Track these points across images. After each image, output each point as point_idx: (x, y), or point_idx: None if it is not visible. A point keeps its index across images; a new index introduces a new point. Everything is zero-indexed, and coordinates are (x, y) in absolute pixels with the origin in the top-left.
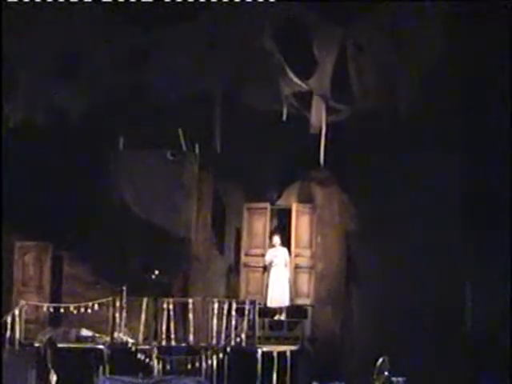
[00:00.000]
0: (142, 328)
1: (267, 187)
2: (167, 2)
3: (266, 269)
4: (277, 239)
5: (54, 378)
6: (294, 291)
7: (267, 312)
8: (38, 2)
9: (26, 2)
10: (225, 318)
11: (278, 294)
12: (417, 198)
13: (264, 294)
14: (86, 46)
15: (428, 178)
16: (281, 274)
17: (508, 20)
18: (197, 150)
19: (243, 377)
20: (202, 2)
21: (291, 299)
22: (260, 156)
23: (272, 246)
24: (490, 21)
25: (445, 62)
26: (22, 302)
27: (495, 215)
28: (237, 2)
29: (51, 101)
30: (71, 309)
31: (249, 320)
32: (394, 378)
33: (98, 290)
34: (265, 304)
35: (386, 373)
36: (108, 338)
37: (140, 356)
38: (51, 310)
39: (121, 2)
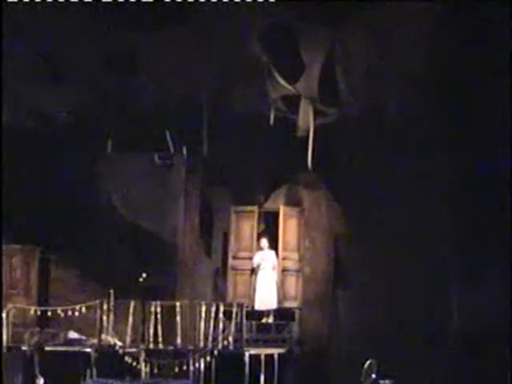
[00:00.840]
0: (129, 331)
1: (255, 190)
2: (155, 5)
3: (253, 272)
4: (264, 242)
5: (41, 381)
6: (282, 294)
7: (255, 315)
8: (26, 2)
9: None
10: (212, 320)
11: (266, 297)
12: (405, 201)
13: (252, 297)
14: (73, 48)
15: (416, 180)
16: (268, 276)
17: (495, 21)
18: (184, 153)
19: (231, 380)
20: (190, 6)
21: (279, 302)
22: (247, 159)
23: (260, 248)
24: (478, 22)
25: (432, 65)
26: (10, 305)
27: (484, 216)
28: (224, 5)
29: (38, 103)
30: (59, 312)
31: (236, 323)
32: (381, 381)
33: (86, 293)
34: (252, 307)
35: (374, 375)
36: (95, 341)
37: (127, 359)
38: (39, 313)
39: (109, 4)
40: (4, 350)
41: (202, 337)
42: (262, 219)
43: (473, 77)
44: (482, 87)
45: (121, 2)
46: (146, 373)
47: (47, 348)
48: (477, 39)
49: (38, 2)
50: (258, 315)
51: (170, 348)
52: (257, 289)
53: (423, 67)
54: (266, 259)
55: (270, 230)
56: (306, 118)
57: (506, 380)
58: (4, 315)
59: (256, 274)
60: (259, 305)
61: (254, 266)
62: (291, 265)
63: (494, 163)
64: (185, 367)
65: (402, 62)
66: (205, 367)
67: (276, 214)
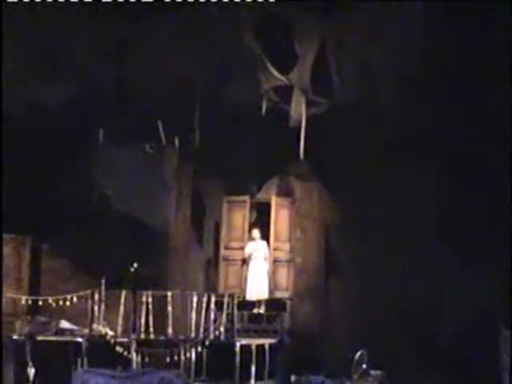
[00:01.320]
0: (120, 321)
1: (247, 180)
2: None
3: (245, 262)
4: (256, 233)
5: (32, 370)
6: (273, 284)
7: (246, 305)
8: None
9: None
10: (203, 311)
11: (257, 287)
12: (396, 192)
13: (243, 288)
14: (64, 38)
15: (408, 171)
16: (260, 267)
17: (489, 15)
18: (176, 143)
19: (222, 370)
20: None
21: (270, 292)
22: (240, 149)
23: (252, 239)
24: (470, 15)
25: (425, 57)
26: None
27: (474, 211)
28: None
29: (30, 93)
30: (50, 301)
31: (227, 313)
32: (372, 371)
33: (77, 282)
34: (244, 297)
35: (364, 366)
36: (87, 331)
37: (119, 349)
38: (30, 302)
39: None
40: None
41: (193, 327)
42: (253, 209)
43: (466, 64)
44: (475, 74)
45: None
46: (137, 362)
47: (38, 337)
48: (469, 27)
49: None
50: (249, 306)
51: (161, 338)
52: (248, 279)
53: (416, 58)
54: (257, 249)
55: (261, 220)
56: (299, 109)
57: (499, 375)
58: None
59: (247, 265)
60: (250, 295)
61: (246, 256)
62: (283, 255)
63: (491, 153)
64: (176, 357)
65: (394, 54)
66: (196, 357)
67: (268, 205)
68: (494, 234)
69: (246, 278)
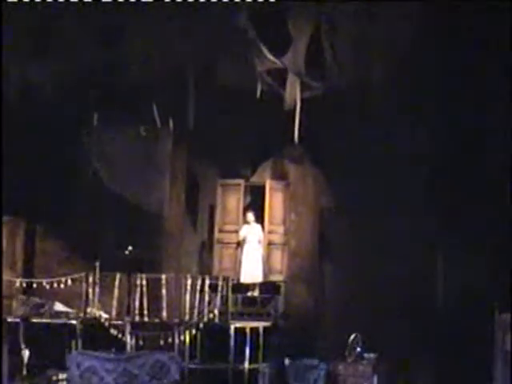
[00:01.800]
0: (115, 303)
1: (241, 164)
2: None
3: (239, 245)
4: (251, 216)
5: (26, 353)
6: (268, 268)
7: (240, 288)
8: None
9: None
10: (198, 293)
11: (251, 270)
12: (391, 175)
13: (237, 270)
14: (60, 21)
15: (402, 152)
16: (254, 250)
17: None
18: (170, 126)
19: (216, 352)
20: None
21: (264, 276)
22: (234, 132)
23: (246, 222)
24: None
25: (419, 39)
26: None
27: (469, 189)
28: None
29: (25, 76)
30: (44, 284)
31: (222, 296)
32: (366, 354)
33: (71, 265)
34: (238, 280)
35: (359, 349)
36: (81, 314)
37: (113, 331)
38: (24, 285)
39: None
40: None
41: (187, 310)
42: (248, 193)
43: (459, 50)
44: (468, 59)
45: None
46: (131, 345)
47: (33, 320)
48: (465, 15)
49: None
50: (243, 289)
51: (156, 320)
52: (242, 262)
53: (409, 41)
54: (252, 233)
55: (256, 203)
56: (293, 92)
57: (491, 351)
58: None
59: (242, 248)
60: (245, 278)
61: (240, 239)
62: (277, 238)
63: (482, 123)
64: (170, 340)
65: (389, 36)
66: (190, 340)
67: (262, 188)
68: (493, 216)
69: (240, 261)
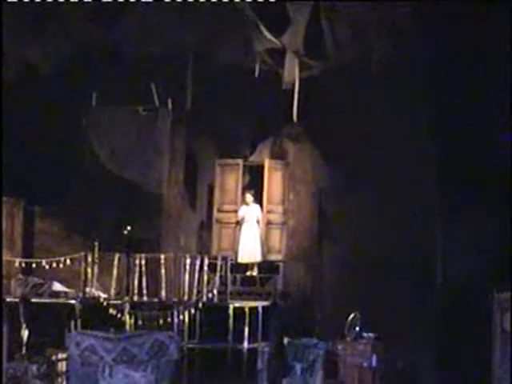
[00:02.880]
0: (113, 283)
1: (240, 143)
2: None
3: (238, 224)
4: (249, 197)
5: (25, 332)
6: (266, 247)
7: (239, 268)
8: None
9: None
10: (197, 273)
11: (249, 250)
12: (390, 154)
13: (236, 250)
14: (57, 1)
15: (402, 133)
16: (253, 230)
17: None
18: (169, 106)
19: (215, 332)
20: None
21: (263, 255)
22: (233, 112)
23: (245, 203)
24: None
25: (419, 18)
26: None
27: (470, 170)
28: None
29: (23, 56)
30: (43, 264)
31: (221, 276)
32: (365, 334)
33: (70, 245)
34: (236, 260)
35: (358, 328)
36: (80, 293)
37: (112, 311)
38: (23, 265)
39: None
40: None
41: (186, 289)
42: (246, 172)
43: (459, 30)
44: (467, 36)
45: None
46: (130, 325)
47: (32, 300)
48: None
49: None
50: (242, 268)
51: (155, 300)
52: (241, 242)
53: (408, 21)
54: (250, 213)
55: (254, 183)
56: (292, 71)
57: (489, 332)
58: None
59: (240, 228)
60: (242, 258)
61: (239, 219)
62: (276, 218)
63: (480, 104)
64: (169, 319)
65: (388, 16)
66: (189, 319)
67: (261, 168)
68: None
69: (238, 242)
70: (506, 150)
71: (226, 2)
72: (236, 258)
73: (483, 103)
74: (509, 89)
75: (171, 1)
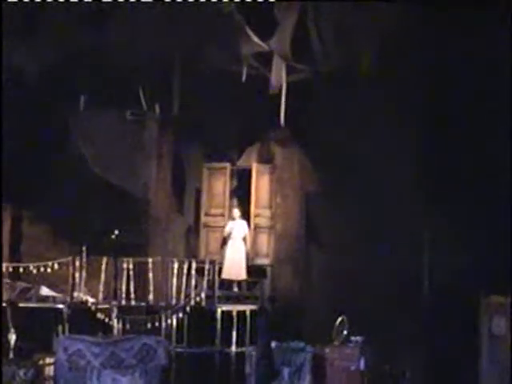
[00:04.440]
0: (101, 287)
1: (227, 147)
2: None
3: (224, 241)
4: (237, 212)
5: (13, 337)
6: (254, 251)
7: None
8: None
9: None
10: (184, 277)
11: (235, 269)
12: (377, 158)
13: (221, 266)
14: (46, 4)
15: (389, 138)
16: (239, 247)
17: None
18: (157, 110)
19: (203, 336)
20: None
21: (251, 259)
22: (220, 116)
23: (232, 218)
24: None
25: (405, 23)
26: None
27: (456, 174)
28: None
29: (10, 59)
30: (31, 268)
31: (208, 279)
32: (352, 337)
33: (58, 249)
34: (221, 275)
35: (345, 332)
36: (68, 298)
37: (100, 315)
38: (10, 269)
39: None
40: None
41: (174, 293)
42: (234, 176)
43: (446, 35)
44: (455, 41)
45: None
46: (118, 329)
47: (20, 304)
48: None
49: None
50: None
51: (143, 304)
52: (226, 258)
53: (396, 26)
54: (236, 229)
55: (242, 187)
56: (279, 75)
57: (477, 337)
58: None
59: (226, 244)
60: (227, 274)
61: (225, 234)
62: (263, 222)
63: (469, 108)
64: (157, 323)
65: (375, 20)
66: (177, 323)
67: (248, 171)
68: (480, 200)
69: (224, 257)
70: (493, 159)
71: (213, 6)
72: (221, 273)
73: (472, 109)
74: (497, 94)
75: (159, 4)
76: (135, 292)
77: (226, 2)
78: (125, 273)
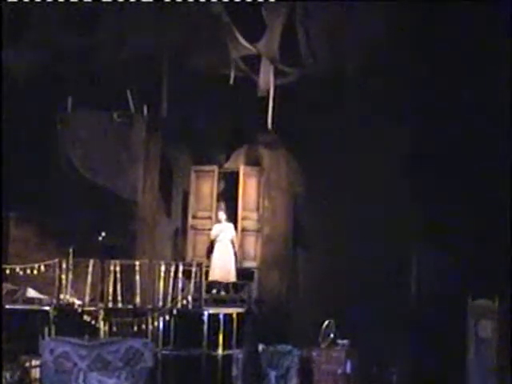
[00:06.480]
0: (88, 290)
1: (215, 150)
2: None
3: (212, 244)
4: (222, 214)
5: None
6: (241, 254)
7: None
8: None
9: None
10: (171, 280)
11: (223, 271)
12: (365, 161)
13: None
14: (33, 5)
15: (377, 140)
16: (227, 249)
17: None
18: (145, 112)
19: (189, 339)
20: None
21: (238, 262)
22: (208, 119)
23: (218, 221)
24: None
25: (393, 26)
26: None
27: (444, 178)
28: None
29: None
30: (17, 270)
31: (195, 282)
32: (339, 340)
33: (45, 251)
34: (208, 277)
35: (332, 335)
36: (54, 300)
37: (86, 318)
38: None
39: None
40: None
41: (161, 296)
42: (221, 179)
43: (435, 38)
44: (442, 47)
45: None
46: (104, 331)
47: (6, 306)
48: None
49: None
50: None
51: (129, 307)
52: (213, 261)
53: (384, 29)
54: (223, 231)
55: (229, 189)
56: (267, 78)
57: (464, 340)
58: None
59: (213, 246)
60: (215, 277)
61: (212, 237)
62: (251, 225)
63: (458, 111)
64: (144, 326)
65: (363, 23)
66: (164, 326)
67: (236, 174)
68: (468, 204)
69: (211, 260)
70: (482, 164)
71: (201, 8)
72: (208, 275)
73: (462, 112)
74: (488, 96)
75: (147, 5)
76: (122, 294)
77: (214, 2)
78: (112, 275)
